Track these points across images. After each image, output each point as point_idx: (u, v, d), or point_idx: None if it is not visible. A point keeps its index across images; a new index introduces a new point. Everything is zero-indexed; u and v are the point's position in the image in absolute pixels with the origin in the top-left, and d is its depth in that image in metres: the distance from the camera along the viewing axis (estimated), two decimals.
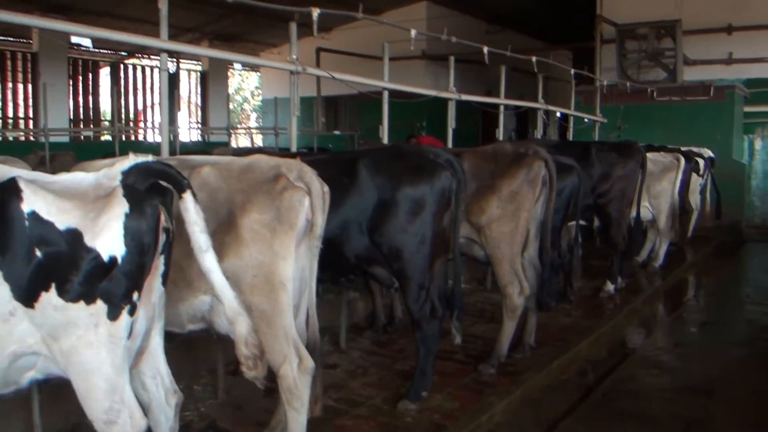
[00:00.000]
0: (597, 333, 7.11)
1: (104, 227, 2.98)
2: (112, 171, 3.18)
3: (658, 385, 5.80)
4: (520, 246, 5.75)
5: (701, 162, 12.37)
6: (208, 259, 3.34)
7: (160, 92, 5.64)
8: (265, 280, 3.82)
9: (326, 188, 4.07)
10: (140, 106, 21.70)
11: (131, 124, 21.24)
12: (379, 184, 4.80)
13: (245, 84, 30.72)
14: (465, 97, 9.02)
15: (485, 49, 9.65)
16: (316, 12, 6.89)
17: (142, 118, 22.05)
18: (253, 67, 26.05)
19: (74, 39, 17.94)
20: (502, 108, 10.14)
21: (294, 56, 6.64)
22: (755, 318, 8.00)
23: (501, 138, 10.14)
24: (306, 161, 5.18)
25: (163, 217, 3.26)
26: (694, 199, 12.62)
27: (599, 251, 10.68)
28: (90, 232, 2.95)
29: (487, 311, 7.71)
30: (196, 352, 5.66)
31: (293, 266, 3.86)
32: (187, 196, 3.21)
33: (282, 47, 22.90)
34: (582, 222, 8.88)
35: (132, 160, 3.22)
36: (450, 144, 9.09)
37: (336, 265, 5.05)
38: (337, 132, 19.69)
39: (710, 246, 13.06)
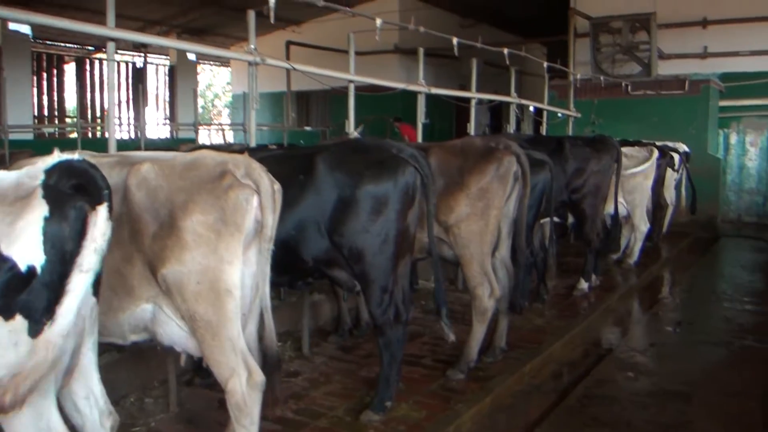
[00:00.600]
0: (570, 334, 6.86)
1: (21, 233, 2.67)
2: (34, 169, 2.86)
3: (634, 388, 5.56)
4: (490, 246, 5.47)
5: (676, 157, 12.22)
6: (77, 281, 2.75)
7: (109, 85, 5.28)
8: (210, 288, 3.51)
9: (277, 186, 3.76)
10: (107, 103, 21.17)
11: (98, 120, 20.72)
12: (339, 181, 4.50)
13: (216, 79, 30.22)
14: (435, 91, 8.74)
15: (455, 40, 9.36)
16: None
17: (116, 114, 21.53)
18: (224, 62, 25.59)
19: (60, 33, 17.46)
20: (473, 102, 9.86)
21: (252, 46, 6.30)
22: (732, 316, 7.80)
23: (473, 133, 9.86)
24: (259, 157, 4.89)
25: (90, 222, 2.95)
26: (669, 194, 12.47)
27: (574, 248, 10.51)
28: (6, 239, 2.63)
29: (458, 312, 7.41)
30: (148, 361, 5.34)
31: (241, 272, 3.55)
32: (102, 210, 2.84)
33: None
34: (556, 219, 8.68)
35: (56, 157, 2.91)
36: (420, 138, 8.80)
37: (292, 269, 4.76)
38: (308, 128, 19.34)
39: (685, 242, 12.91)
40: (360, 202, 4.45)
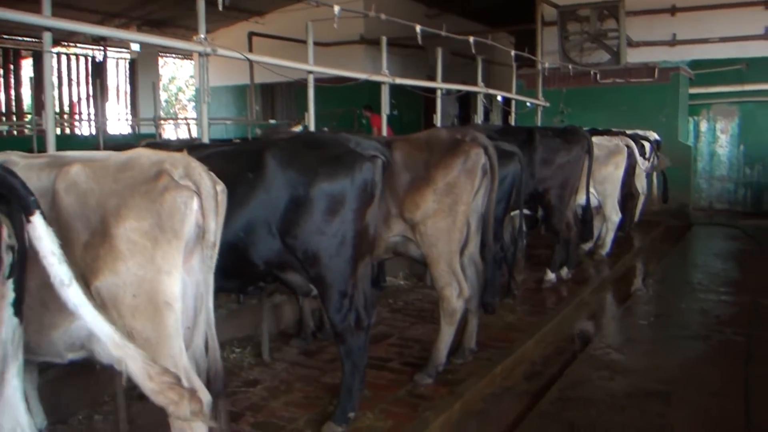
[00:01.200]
0: (543, 330, 6.60)
1: None
2: None
3: (610, 389, 5.29)
4: (458, 243, 5.18)
5: (647, 145, 12.06)
6: (73, 294, 2.74)
7: (44, 77, 4.88)
8: (148, 301, 3.18)
9: (220, 186, 3.44)
10: (67, 98, 20.55)
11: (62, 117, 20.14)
12: (291, 179, 4.17)
13: (179, 72, 29.62)
14: (399, 81, 8.42)
15: (418, 28, 9.05)
16: None
17: (78, 110, 20.97)
18: (186, 55, 25.01)
19: None
20: (439, 92, 9.57)
21: (202, 36, 5.94)
22: (708, 308, 7.59)
23: (440, 124, 9.57)
24: (205, 154, 4.56)
25: (5, 233, 2.63)
26: (641, 183, 12.30)
27: (546, 240, 10.27)
28: None
29: (427, 311, 7.16)
30: (98, 375, 4.97)
31: (181, 282, 3.23)
32: (36, 219, 2.55)
33: (215, 33, 21.98)
34: (526, 211, 8.44)
35: None
36: (384, 131, 8.50)
37: (241, 273, 4.43)
38: (273, 121, 18.91)
39: (658, 231, 12.77)
40: (314, 201, 4.12)
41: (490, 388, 5.39)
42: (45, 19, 4.78)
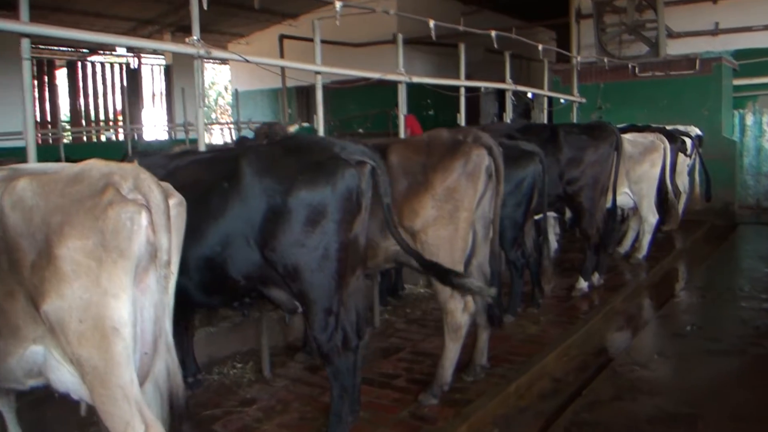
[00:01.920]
0: (566, 343, 6.17)
1: None
2: None
3: (632, 412, 4.83)
4: (462, 253, 4.80)
5: (688, 141, 11.48)
6: None
7: (24, 85, 4.64)
8: (94, 326, 2.91)
9: (175, 199, 3.15)
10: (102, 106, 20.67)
11: (92, 124, 20.28)
12: (268, 187, 3.86)
13: (219, 77, 29.67)
14: (416, 80, 8.05)
15: (431, 23, 8.58)
16: None
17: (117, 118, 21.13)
18: (223, 61, 24.98)
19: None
20: (463, 90, 9.16)
21: (195, 38, 5.67)
22: (748, 317, 7.04)
23: (463, 124, 9.17)
24: (183, 162, 4.29)
25: None
26: (682, 181, 11.72)
27: (580, 243, 9.78)
28: None
29: (438, 320, 6.75)
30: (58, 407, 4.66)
31: (131, 306, 2.94)
32: None
33: (250, 37, 21.95)
34: (553, 214, 8.02)
35: None
36: (402, 134, 8.15)
37: (222, 289, 4.16)
38: (305, 124, 18.69)
39: (700, 231, 12.14)
40: (292, 211, 3.81)
41: (503, 408, 4.99)
42: (22, 25, 4.53)
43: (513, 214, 6.48)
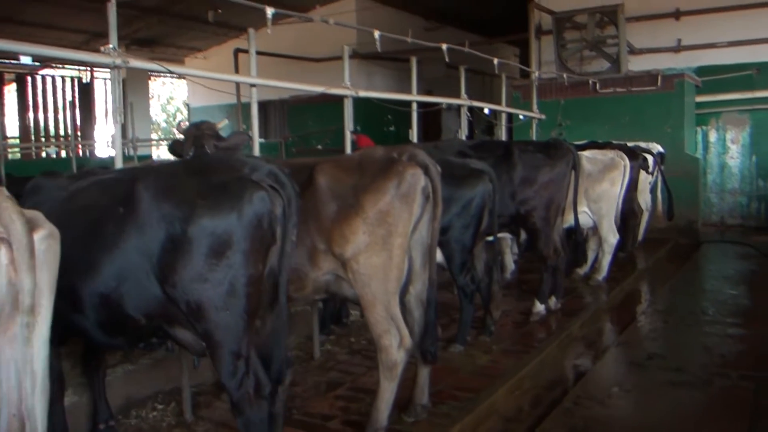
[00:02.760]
0: (517, 376, 5.72)
1: None
2: None
3: None
4: (397, 282, 4.34)
5: (650, 158, 11.19)
6: None
7: None
8: None
9: (43, 232, 2.66)
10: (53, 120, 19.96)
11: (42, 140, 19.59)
12: (166, 214, 3.38)
13: (177, 92, 29.08)
14: (363, 94, 7.65)
15: (376, 34, 8.13)
16: None
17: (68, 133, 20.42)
18: (180, 75, 24.41)
19: None
20: (415, 106, 8.74)
21: (111, 46, 5.17)
22: (713, 344, 6.67)
23: (416, 140, 8.75)
24: (82, 185, 3.79)
25: None
26: (644, 198, 11.43)
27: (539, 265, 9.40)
28: None
29: None
30: None
31: None
32: None
33: (208, 51, 21.44)
34: (508, 235, 7.62)
35: None
36: (348, 152, 7.70)
37: (122, 329, 3.64)
38: (261, 140, 18.19)
39: (663, 250, 11.83)
40: (193, 241, 3.33)
41: None
42: None
43: (461, 237, 6.07)
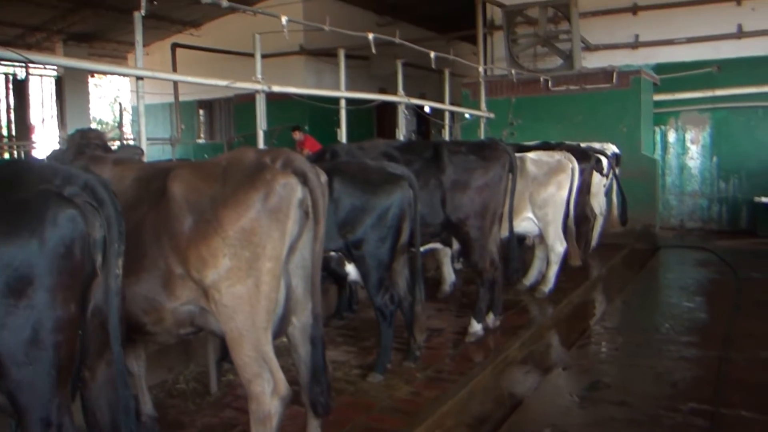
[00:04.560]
0: (438, 413, 4.96)
1: None
2: None
3: None
4: (268, 314, 3.53)
5: (604, 160, 10.54)
6: None
7: None
8: None
9: None
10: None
11: None
12: None
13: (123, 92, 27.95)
14: (277, 89, 6.82)
15: (327, 26, 7.43)
16: None
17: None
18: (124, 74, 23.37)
19: None
20: (343, 102, 7.96)
21: None
22: (665, 369, 5.94)
23: (344, 140, 7.97)
24: None
25: None
26: (598, 202, 10.76)
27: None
28: None
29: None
30: None
31: None
32: None
33: (150, 47, 20.44)
34: (438, 245, 6.88)
35: None
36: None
37: None
38: (200, 140, 17.33)
39: (618, 256, 11.17)
40: None
41: None
42: None
43: (377, 251, 5.31)
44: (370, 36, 7.41)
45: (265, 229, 3.39)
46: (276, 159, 3.54)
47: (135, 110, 21.26)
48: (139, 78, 5.71)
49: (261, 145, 6.90)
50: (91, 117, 21.85)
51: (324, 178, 3.69)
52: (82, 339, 2.95)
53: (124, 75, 5.37)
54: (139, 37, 5.78)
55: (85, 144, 4.76)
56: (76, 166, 4.12)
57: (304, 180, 3.52)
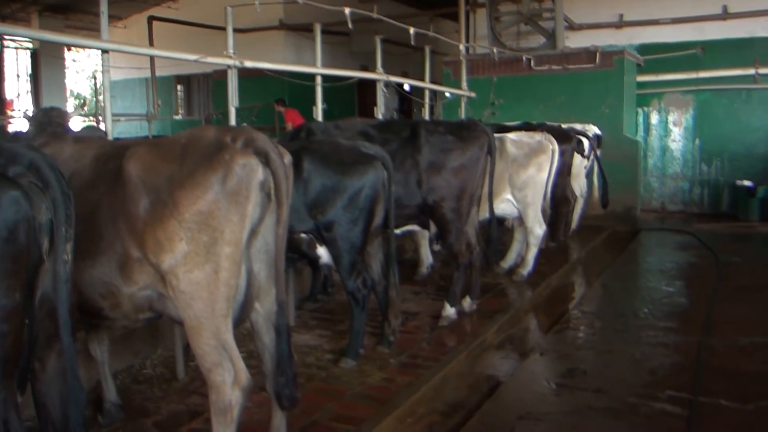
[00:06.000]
0: (410, 401, 4.83)
1: None
2: None
3: None
4: (227, 302, 3.35)
5: (585, 141, 10.41)
6: None
7: None
8: None
9: None
10: None
11: None
12: None
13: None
14: (249, 64, 6.61)
15: (302, 1, 7.21)
16: None
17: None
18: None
19: None
20: (319, 79, 7.74)
21: None
22: (643, 355, 5.84)
23: (320, 119, 7.76)
24: None
25: None
26: (579, 184, 10.64)
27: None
28: None
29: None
30: None
31: None
32: None
33: (128, 20, 20.07)
34: (415, 227, 6.72)
35: None
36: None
37: None
38: (177, 116, 17.02)
39: (599, 239, 11.08)
40: None
41: None
42: None
43: (348, 234, 5.15)
44: (347, 10, 7.22)
45: (224, 212, 3.21)
46: (237, 138, 3.35)
47: (102, 85, 21.03)
48: (104, 51, 5.47)
49: (233, 122, 6.67)
50: (68, 91, 21.43)
51: (288, 158, 3.51)
52: (29, 329, 2.79)
53: (88, 48, 5.10)
54: (104, 7, 5.52)
55: (47, 122, 4.56)
56: (37, 144, 3.94)
57: (266, 160, 3.34)
